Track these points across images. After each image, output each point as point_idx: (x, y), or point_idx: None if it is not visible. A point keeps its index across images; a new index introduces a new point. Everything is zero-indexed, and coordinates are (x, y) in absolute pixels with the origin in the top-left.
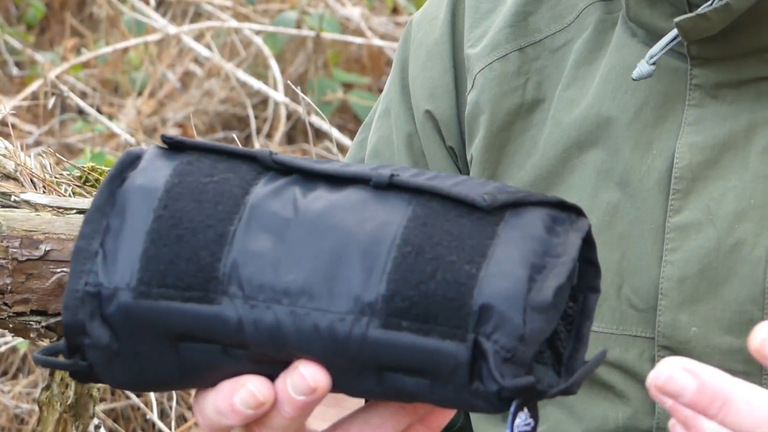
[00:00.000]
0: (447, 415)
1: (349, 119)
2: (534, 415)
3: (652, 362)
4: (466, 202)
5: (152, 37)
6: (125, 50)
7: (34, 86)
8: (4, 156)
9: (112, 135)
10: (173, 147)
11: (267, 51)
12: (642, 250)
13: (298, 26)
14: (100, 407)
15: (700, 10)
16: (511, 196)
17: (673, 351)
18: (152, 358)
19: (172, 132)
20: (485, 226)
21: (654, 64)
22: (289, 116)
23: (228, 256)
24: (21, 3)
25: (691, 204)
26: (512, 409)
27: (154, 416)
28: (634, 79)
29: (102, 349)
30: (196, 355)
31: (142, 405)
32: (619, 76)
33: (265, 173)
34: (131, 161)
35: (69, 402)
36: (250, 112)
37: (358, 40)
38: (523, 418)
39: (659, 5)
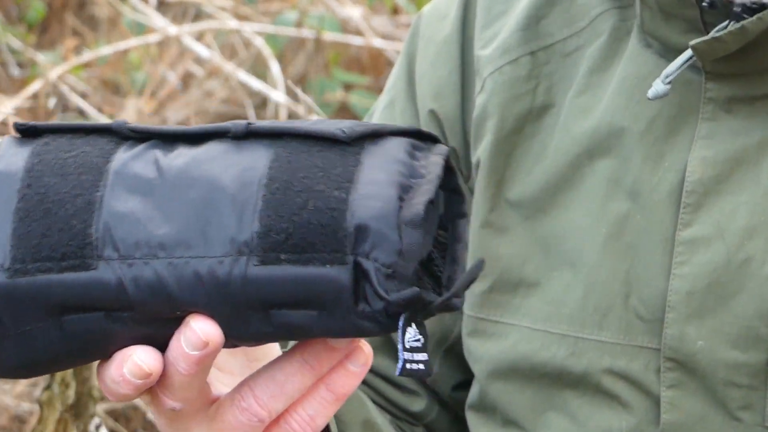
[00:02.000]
0: (351, 381)
1: (349, 119)
2: (423, 331)
3: (658, 373)
4: (325, 138)
5: (153, 38)
6: (126, 50)
7: (35, 86)
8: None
9: None
10: (27, 133)
11: (267, 51)
12: (650, 261)
13: (299, 26)
14: (100, 407)
15: (715, 34)
16: (368, 127)
17: (679, 363)
18: (38, 337)
19: None
20: (348, 156)
21: (669, 83)
22: (289, 116)
23: (99, 221)
24: (22, 3)
25: (701, 218)
26: (401, 323)
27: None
28: (650, 99)
29: None
30: (80, 326)
31: (142, 404)
32: (633, 87)
33: (123, 142)
34: None
35: (69, 401)
36: (251, 113)
37: (358, 40)
38: (412, 334)
39: (674, 21)
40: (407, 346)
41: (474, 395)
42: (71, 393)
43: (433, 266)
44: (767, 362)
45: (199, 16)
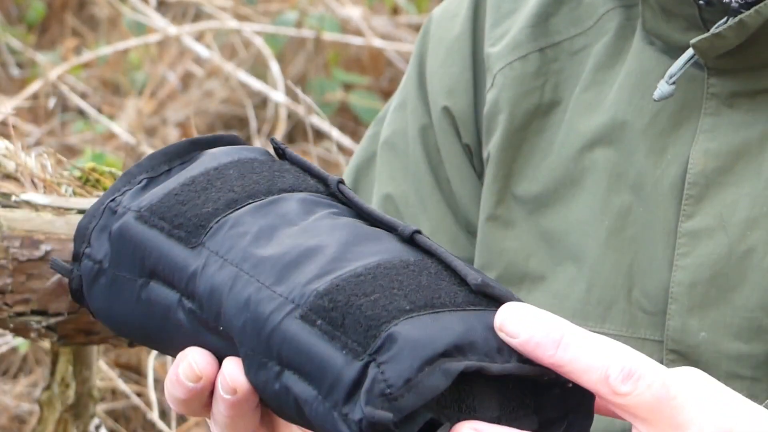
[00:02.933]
0: None
1: (349, 119)
2: None
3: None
4: (458, 274)
5: (152, 38)
6: (126, 51)
7: (35, 86)
8: (5, 156)
9: (113, 135)
10: (278, 153)
11: (267, 51)
12: (653, 254)
13: (298, 27)
14: (100, 407)
15: (715, 30)
16: (506, 293)
17: (682, 355)
18: (125, 289)
19: (173, 132)
20: (459, 298)
21: (674, 83)
22: (289, 116)
23: (226, 217)
24: (22, 3)
25: (703, 210)
26: None
27: (154, 416)
28: (655, 100)
29: (95, 262)
30: (158, 297)
31: (142, 405)
32: (636, 82)
33: (323, 194)
34: (229, 141)
35: (69, 402)
36: (251, 113)
37: (358, 40)
38: None
39: (674, 20)
40: None
41: None
42: (71, 393)
43: None
44: None
45: (199, 16)
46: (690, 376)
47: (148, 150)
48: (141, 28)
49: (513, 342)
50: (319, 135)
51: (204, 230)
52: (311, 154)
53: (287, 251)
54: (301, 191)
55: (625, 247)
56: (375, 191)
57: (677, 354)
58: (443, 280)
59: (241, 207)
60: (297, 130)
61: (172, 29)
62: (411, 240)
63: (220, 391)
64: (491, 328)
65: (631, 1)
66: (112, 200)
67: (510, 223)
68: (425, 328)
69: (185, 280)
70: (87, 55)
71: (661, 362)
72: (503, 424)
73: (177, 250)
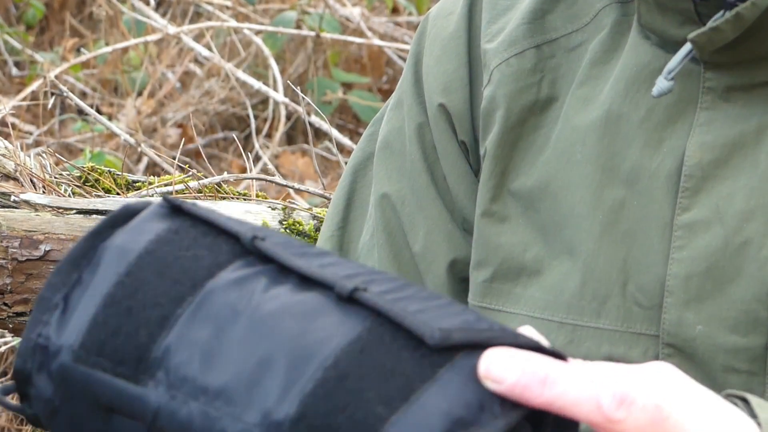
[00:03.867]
0: None
1: (349, 119)
2: None
3: (657, 360)
4: (413, 334)
5: (152, 37)
6: (125, 50)
7: (34, 86)
8: (4, 156)
9: (112, 135)
10: (174, 208)
11: (267, 51)
12: (648, 247)
13: (298, 26)
14: None
15: (712, 24)
16: (471, 335)
17: (678, 349)
18: (87, 423)
19: (172, 132)
20: (425, 366)
21: (673, 79)
22: (289, 116)
23: (164, 341)
24: (21, 3)
25: (699, 202)
26: None
27: None
28: (654, 96)
29: (45, 402)
30: (124, 430)
31: None
32: (632, 75)
33: (244, 256)
34: (125, 217)
35: None
36: (250, 112)
37: (358, 40)
38: None
39: (669, 14)
40: None
41: None
42: None
43: None
44: (766, 346)
45: (198, 15)
46: (680, 390)
47: (147, 150)
48: (140, 28)
49: (499, 388)
50: (319, 135)
51: (148, 363)
52: (311, 153)
53: (242, 368)
54: (222, 269)
55: (620, 241)
56: (373, 191)
57: (673, 348)
58: (402, 349)
59: (174, 322)
60: (297, 129)
61: (172, 29)
62: (350, 299)
63: None
64: (467, 386)
65: None
66: (39, 335)
67: (506, 218)
68: (410, 427)
69: (149, 418)
70: (86, 55)
71: (657, 357)
72: None
73: (128, 388)
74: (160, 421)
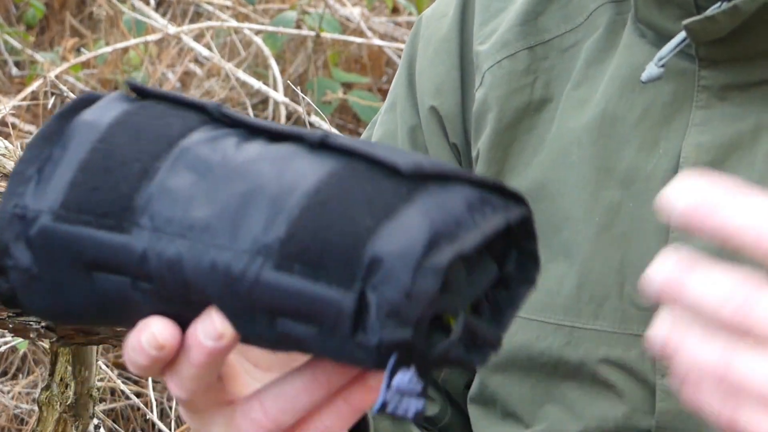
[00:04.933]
0: (370, 395)
1: (349, 119)
2: (425, 377)
3: (653, 362)
4: (389, 166)
5: (152, 37)
6: (125, 50)
7: (34, 86)
8: (4, 156)
9: None
10: (137, 92)
11: (267, 51)
12: (645, 249)
13: (298, 26)
14: (99, 407)
15: (708, 13)
16: (438, 167)
17: None
18: (68, 286)
19: None
20: (401, 190)
21: (663, 66)
22: (289, 116)
23: (146, 190)
24: (21, 3)
25: None
26: (390, 363)
27: (154, 416)
28: (643, 82)
29: (22, 271)
30: (109, 286)
31: (142, 405)
32: (627, 76)
33: (210, 123)
34: (89, 101)
35: (69, 402)
36: (250, 112)
37: (358, 40)
38: (407, 377)
39: (667, 7)
40: (397, 388)
41: (475, 388)
42: (70, 393)
43: (478, 324)
44: None
45: (198, 15)
46: None
47: None
48: (140, 28)
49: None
50: None
51: (131, 211)
52: None
53: (226, 205)
54: (193, 131)
55: (616, 242)
56: None
57: None
58: (380, 178)
59: (155, 174)
60: None
61: (172, 29)
62: (323, 145)
63: (201, 337)
64: (443, 206)
65: None
66: (15, 206)
67: None
68: (397, 237)
69: (135, 265)
70: (86, 55)
71: (653, 359)
72: (471, 282)
73: (114, 238)
74: (148, 264)
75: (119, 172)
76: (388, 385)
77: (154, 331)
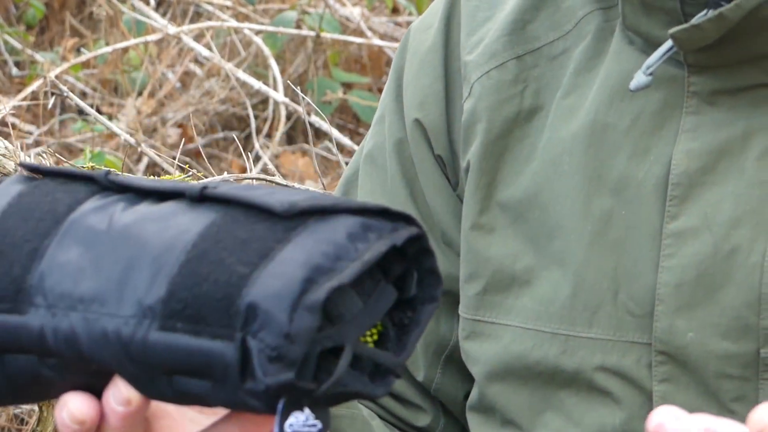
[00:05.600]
0: None
1: (349, 119)
2: (322, 417)
3: (650, 368)
4: (264, 209)
5: (152, 37)
6: (125, 50)
7: (34, 86)
8: (4, 156)
9: (112, 135)
10: (33, 172)
11: (267, 51)
12: (638, 256)
13: (298, 26)
14: None
15: (694, 21)
16: (315, 202)
17: (670, 356)
18: None
19: (172, 132)
20: (278, 231)
21: (651, 74)
22: (289, 116)
23: (37, 269)
24: (21, 3)
25: (687, 210)
26: (279, 407)
27: None
28: (631, 90)
29: None
30: (18, 366)
31: None
32: (616, 84)
33: (99, 192)
34: None
35: None
36: (250, 112)
37: (358, 40)
38: (304, 418)
39: (655, 14)
40: (293, 431)
41: (474, 396)
42: None
43: (384, 345)
44: (757, 352)
45: (198, 15)
46: None
47: (147, 150)
48: (140, 28)
49: None
50: (319, 135)
51: (25, 293)
52: (311, 153)
53: (111, 272)
54: (81, 204)
55: (609, 250)
56: None
57: (666, 355)
58: (257, 222)
59: (44, 251)
60: (297, 129)
61: (172, 29)
62: (203, 198)
63: (113, 404)
64: (321, 241)
65: (610, 3)
66: None
67: (494, 229)
68: (272, 280)
69: (35, 343)
70: (86, 55)
71: (650, 365)
72: (368, 310)
73: (10, 320)
74: (47, 341)
75: (11, 254)
76: (281, 429)
77: (71, 408)
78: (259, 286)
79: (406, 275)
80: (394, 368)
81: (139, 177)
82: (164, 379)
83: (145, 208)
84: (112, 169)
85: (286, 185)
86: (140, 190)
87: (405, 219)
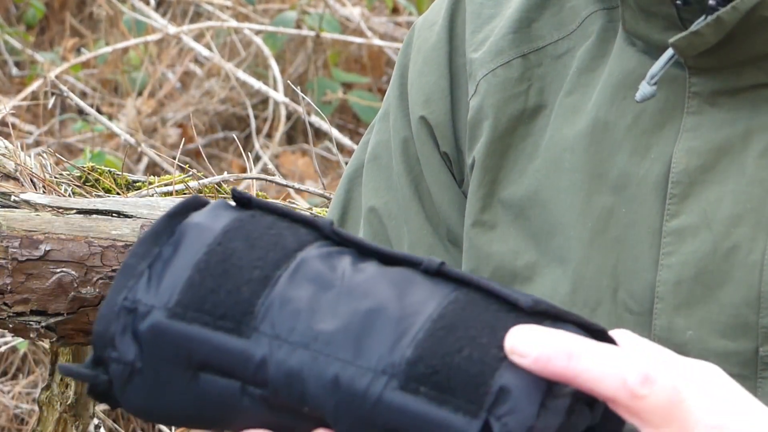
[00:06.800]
0: None
1: (349, 119)
2: None
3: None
4: (508, 300)
5: (152, 37)
6: (125, 50)
7: (34, 86)
8: (4, 156)
9: (112, 135)
10: (240, 203)
11: (267, 51)
12: (638, 253)
13: (298, 26)
14: (100, 407)
15: (693, 28)
16: (552, 308)
17: None
18: (171, 383)
19: (172, 132)
20: (520, 323)
21: (656, 83)
22: (289, 116)
23: (268, 297)
24: (21, 3)
25: (687, 208)
26: None
27: None
28: (638, 101)
29: (125, 364)
30: (214, 389)
31: None
32: (618, 82)
33: (321, 240)
34: (196, 205)
35: (69, 402)
36: (250, 112)
37: (358, 40)
38: None
39: (653, 20)
40: None
41: None
42: (71, 393)
43: None
44: (756, 350)
45: (198, 15)
46: (707, 383)
47: (147, 150)
48: (140, 28)
49: (525, 362)
50: (319, 135)
51: (252, 316)
52: (311, 153)
53: (349, 321)
54: (307, 245)
55: (609, 247)
56: (363, 203)
57: None
58: (499, 311)
59: (276, 282)
60: (297, 129)
61: (172, 29)
62: (438, 273)
63: None
64: None
65: (614, 3)
66: (125, 299)
67: (496, 227)
68: (524, 370)
69: (252, 370)
70: (86, 55)
71: None
72: (565, 425)
73: (230, 341)
74: (265, 371)
75: (239, 276)
76: None
77: None
78: (514, 372)
79: (596, 403)
80: None
81: (362, 237)
82: None
83: (375, 269)
84: (334, 221)
85: (286, 185)
86: (363, 248)
87: (602, 335)
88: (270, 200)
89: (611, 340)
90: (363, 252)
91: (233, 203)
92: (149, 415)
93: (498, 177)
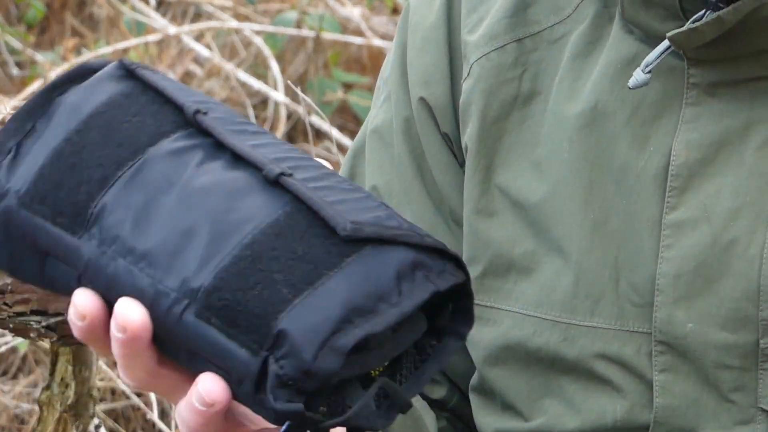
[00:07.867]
0: None
1: (349, 119)
2: None
3: (650, 357)
4: (327, 224)
5: (152, 37)
6: (125, 50)
7: (35, 86)
8: None
9: None
10: (128, 72)
11: (267, 51)
12: (638, 246)
13: (298, 26)
14: (100, 407)
15: (692, 24)
16: (380, 231)
17: (670, 346)
18: (24, 262)
19: None
20: (333, 255)
21: (650, 72)
22: (289, 116)
23: (101, 200)
24: (21, 3)
25: (687, 201)
26: (284, 428)
27: (154, 416)
28: (630, 88)
29: None
30: (57, 273)
31: (142, 405)
32: (617, 73)
33: (186, 127)
34: (82, 74)
35: (69, 402)
36: (250, 112)
37: (358, 40)
38: None
39: (653, 9)
40: None
41: (475, 379)
42: (71, 393)
43: (399, 373)
44: (757, 342)
45: (198, 15)
46: None
47: None
48: (141, 28)
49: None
50: (319, 135)
51: (84, 219)
52: (311, 153)
53: (165, 239)
54: (164, 137)
55: (610, 239)
56: (366, 181)
57: (665, 345)
58: (315, 236)
59: (112, 184)
60: (297, 129)
61: (172, 29)
62: (276, 183)
63: (112, 329)
64: (368, 278)
65: None
66: None
67: (494, 213)
68: (309, 312)
69: (81, 267)
70: (86, 55)
71: (650, 354)
72: (396, 339)
73: (66, 237)
74: (89, 273)
75: (81, 174)
76: None
77: (75, 303)
78: (295, 316)
79: (440, 304)
80: (403, 407)
81: (225, 120)
82: (187, 354)
83: (219, 173)
84: (203, 104)
85: None
86: (219, 143)
87: (456, 261)
88: (159, 72)
89: (453, 257)
90: (220, 146)
91: (124, 71)
92: (11, 274)
93: (493, 163)
